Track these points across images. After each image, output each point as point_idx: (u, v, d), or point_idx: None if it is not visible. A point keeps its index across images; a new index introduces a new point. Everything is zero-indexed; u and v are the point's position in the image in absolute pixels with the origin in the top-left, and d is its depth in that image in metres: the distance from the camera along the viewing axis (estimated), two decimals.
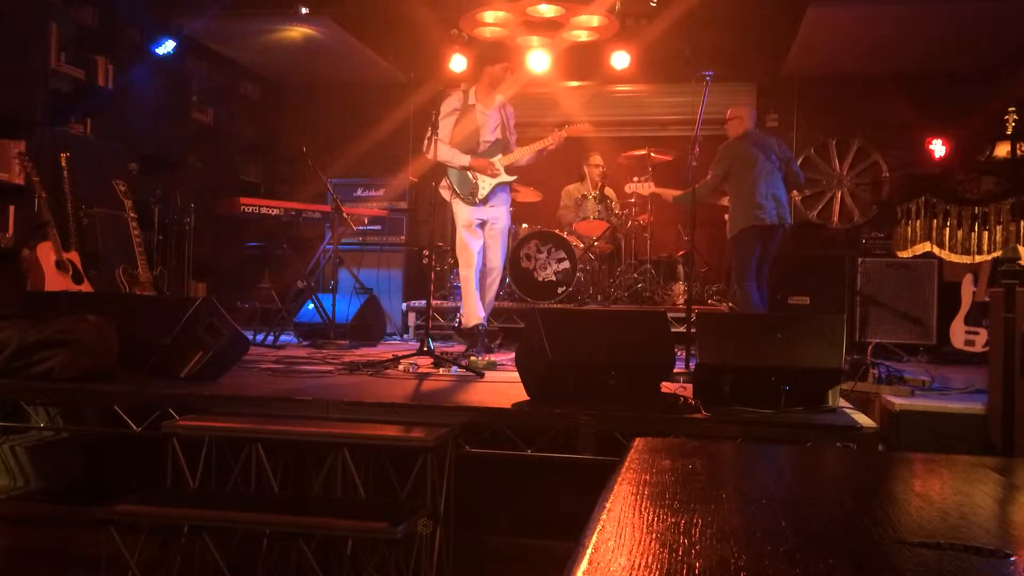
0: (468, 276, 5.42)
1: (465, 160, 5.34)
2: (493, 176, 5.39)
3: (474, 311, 5.44)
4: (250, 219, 6.42)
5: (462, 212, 5.41)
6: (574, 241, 6.92)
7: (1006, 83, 7.03)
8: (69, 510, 3.69)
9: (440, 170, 5.43)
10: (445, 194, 5.47)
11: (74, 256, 5.23)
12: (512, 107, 5.65)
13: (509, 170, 5.47)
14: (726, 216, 5.95)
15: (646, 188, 6.66)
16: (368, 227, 7.37)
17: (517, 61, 6.57)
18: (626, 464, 1.51)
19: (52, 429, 4.10)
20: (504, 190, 5.51)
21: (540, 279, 6.78)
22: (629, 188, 6.93)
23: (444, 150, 5.25)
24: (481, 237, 5.48)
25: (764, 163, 5.64)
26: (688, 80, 7.21)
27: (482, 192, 5.39)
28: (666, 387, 3.64)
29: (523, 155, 5.48)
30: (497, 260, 5.56)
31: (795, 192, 7.02)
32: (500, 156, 5.43)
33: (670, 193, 6.29)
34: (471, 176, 5.39)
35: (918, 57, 7.24)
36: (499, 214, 5.52)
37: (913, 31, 6.67)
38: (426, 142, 5.12)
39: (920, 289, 6.13)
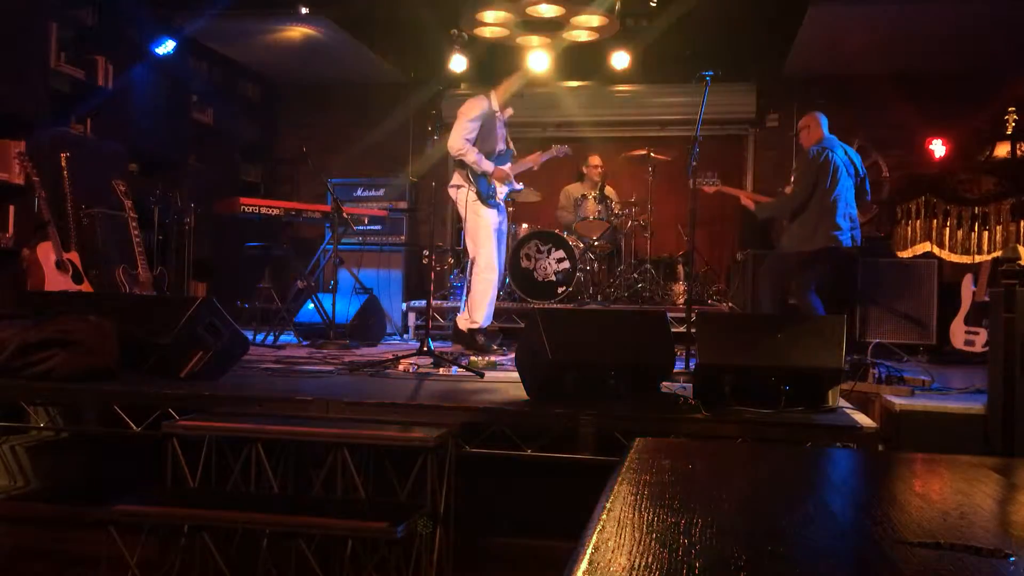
0: (494, 279, 5.45)
1: (489, 167, 5.43)
2: (508, 184, 5.60)
3: (490, 312, 5.53)
4: (250, 219, 6.42)
5: (489, 216, 5.47)
6: (574, 241, 6.91)
7: (1006, 83, 7.02)
8: (69, 510, 3.69)
9: (445, 171, 5.49)
10: (453, 193, 5.50)
11: (74, 256, 5.23)
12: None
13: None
14: (762, 203, 5.62)
15: (712, 187, 6.02)
16: (368, 227, 7.37)
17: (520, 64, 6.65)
18: (626, 464, 1.51)
19: (52, 429, 4.10)
20: (505, 195, 5.75)
21: (540, 279, 6.78)
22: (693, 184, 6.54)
23: (474, 151, 5.34)
24: None
25: (846, 179, 5.16)
26: (688, 80, 7.23)
27: (500, 196, 5.57)
28: (666, 387, 3.64)
29: (517, 168, 5.73)
30: (501, 261, 5.75)
31: None
32: (509, 165, 5.63)
33: (749, 197, 5.65)
34: (489, 180, 5.51)
35: (918, 57, 7.24)
36: (505, 217, 5.77)
37: (913, 31, 6.67)
38: (461, 141, 5.24)
39: (920, 289, 6.12)
